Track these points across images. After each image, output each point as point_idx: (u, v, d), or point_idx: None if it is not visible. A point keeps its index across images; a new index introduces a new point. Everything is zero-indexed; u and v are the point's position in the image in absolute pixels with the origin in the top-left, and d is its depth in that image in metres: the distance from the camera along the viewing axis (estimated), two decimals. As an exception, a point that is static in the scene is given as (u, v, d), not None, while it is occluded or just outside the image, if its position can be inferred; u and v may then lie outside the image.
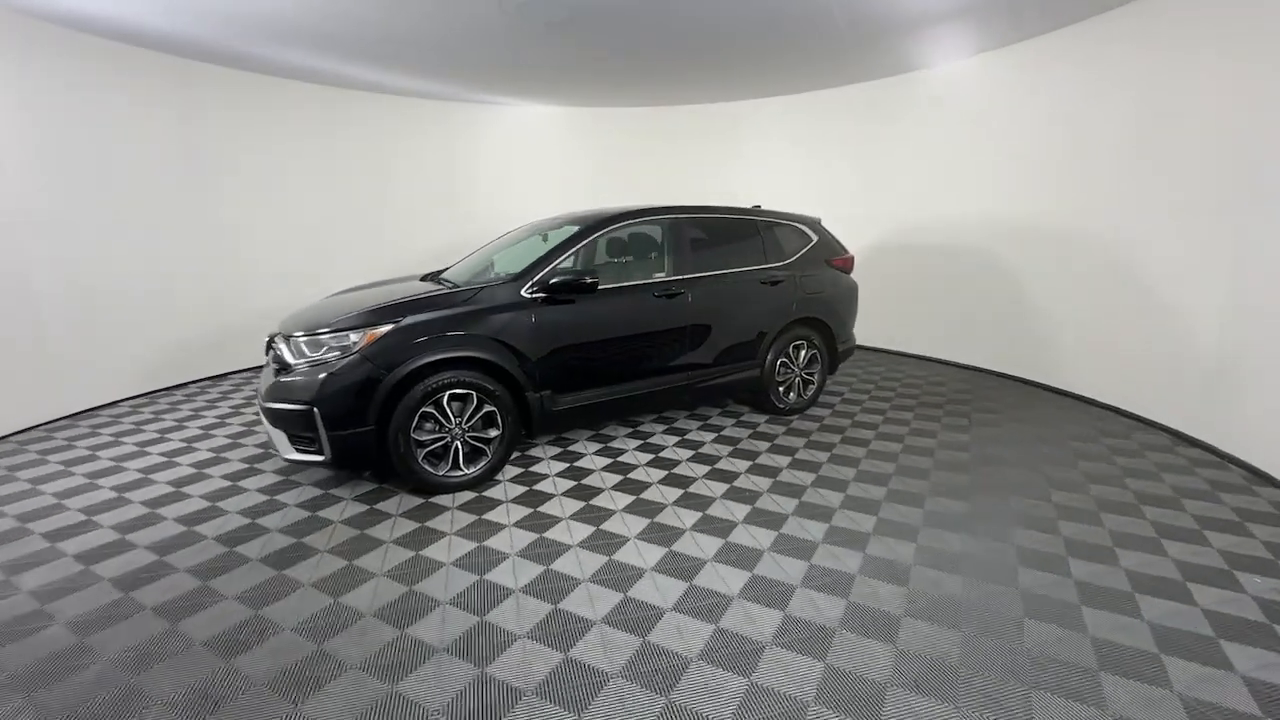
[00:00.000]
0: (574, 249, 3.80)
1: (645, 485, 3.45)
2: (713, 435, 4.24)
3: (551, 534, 2.93)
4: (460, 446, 3.37)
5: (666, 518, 3.07)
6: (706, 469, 3.66)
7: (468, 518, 3.11)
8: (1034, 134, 5.14)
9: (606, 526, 3.00)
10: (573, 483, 3.51)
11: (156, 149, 5.44)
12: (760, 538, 2.87)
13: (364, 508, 3.24)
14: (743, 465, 3.72)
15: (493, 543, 2.86)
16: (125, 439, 4.31)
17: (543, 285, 3.57)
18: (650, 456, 3.86)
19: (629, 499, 3.29)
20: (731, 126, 7.80)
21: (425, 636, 2.22)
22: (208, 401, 5.22)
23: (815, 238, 4.88)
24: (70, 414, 4.85)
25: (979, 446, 3.97)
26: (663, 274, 4.12)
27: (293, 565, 2.70)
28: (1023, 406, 4.81)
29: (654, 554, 2.74)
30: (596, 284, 3.65)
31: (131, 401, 5.24)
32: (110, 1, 4.19)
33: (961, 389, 5.30)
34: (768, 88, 7.02)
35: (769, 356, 4.53)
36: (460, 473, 3.38)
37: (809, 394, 4.79)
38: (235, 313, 6.15)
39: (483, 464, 3.44)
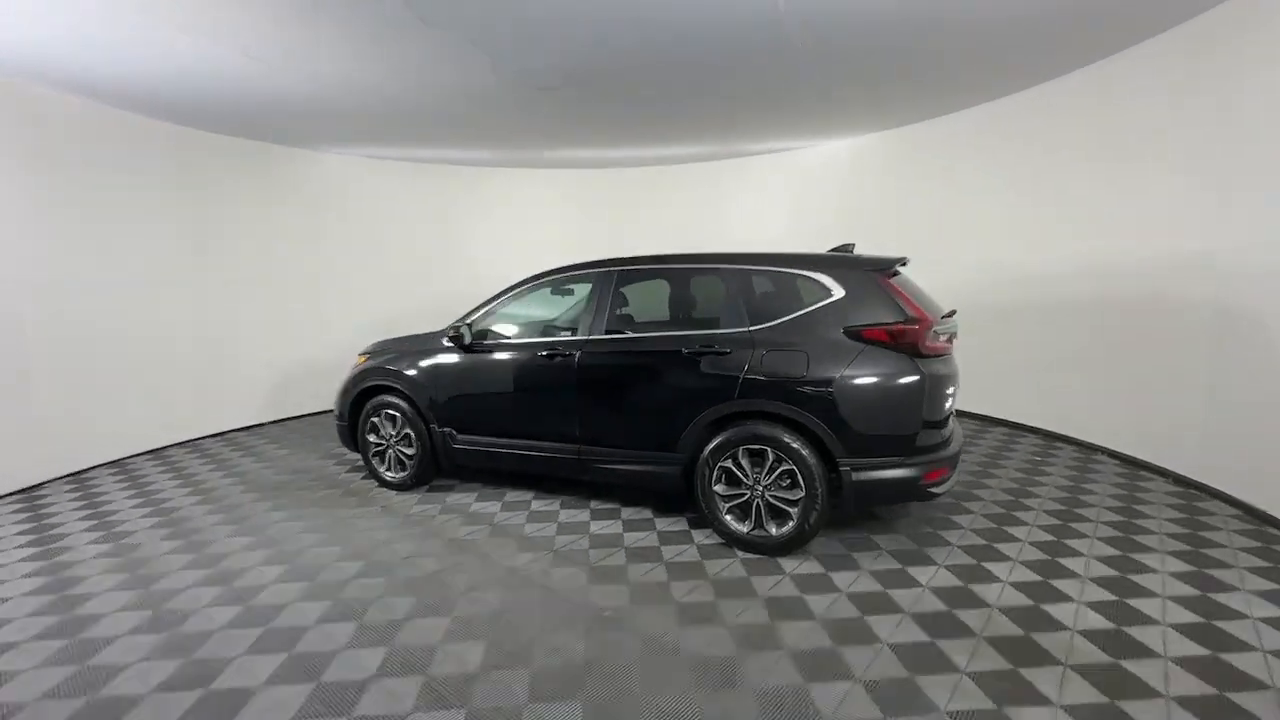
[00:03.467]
0: (494, 302, 4.16)
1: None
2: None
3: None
4: (393, 455, 4.33)
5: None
6: None
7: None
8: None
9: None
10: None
11: (153, 214, 5.38)
12: None
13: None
14: None
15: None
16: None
17: (449, 335, 4.09)
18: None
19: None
20: (762, 175, 7.65)
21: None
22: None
23: (838, 293, 3.19)
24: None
25: None
26: (567, 333, 3.93)
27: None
28: None
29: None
30: (459, 339, 4.02)
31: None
32: (115, 74, 4.29)
33: None
34: (804, 135, 6.78)
35: (700, 457, 3.33)
36: (391, 474, 4.34)
37: (783, 531, 3.17)
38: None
39: (404, 474, 4.29)
